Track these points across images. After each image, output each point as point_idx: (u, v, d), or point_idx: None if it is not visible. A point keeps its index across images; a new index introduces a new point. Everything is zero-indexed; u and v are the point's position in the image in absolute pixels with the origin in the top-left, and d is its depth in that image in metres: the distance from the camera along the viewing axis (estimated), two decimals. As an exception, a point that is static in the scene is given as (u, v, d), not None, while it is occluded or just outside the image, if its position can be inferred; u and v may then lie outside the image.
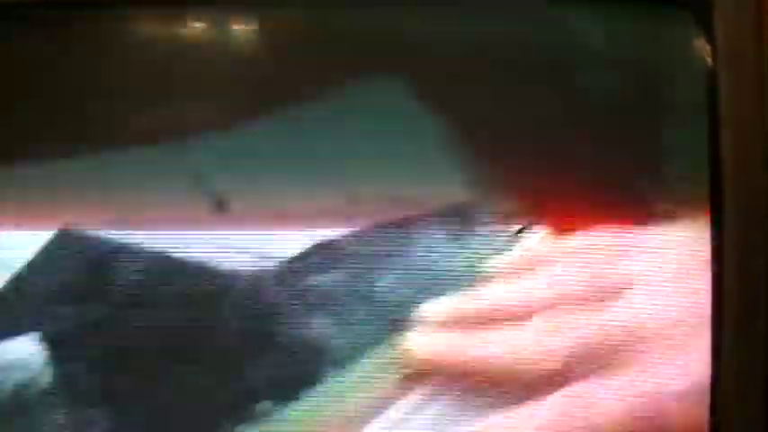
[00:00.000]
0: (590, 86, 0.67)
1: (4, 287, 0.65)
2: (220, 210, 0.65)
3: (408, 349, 0.64)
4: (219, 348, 0.65)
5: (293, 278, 0.65)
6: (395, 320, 0.65)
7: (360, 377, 0.65)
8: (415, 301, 0.65)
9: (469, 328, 0.65)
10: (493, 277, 0.65)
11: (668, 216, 0.65)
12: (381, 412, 0.65)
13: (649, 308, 0.65)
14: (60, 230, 0.65)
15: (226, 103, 0.67)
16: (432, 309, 0.65)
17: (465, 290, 0.65)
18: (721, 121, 0.63)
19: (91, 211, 0.65)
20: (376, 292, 0.65)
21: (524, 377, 0.65)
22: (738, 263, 0.64)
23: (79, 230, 0.65)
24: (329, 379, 0.65)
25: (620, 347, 0.65)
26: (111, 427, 0.65)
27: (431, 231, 0.65)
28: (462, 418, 0.65)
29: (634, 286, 0.65)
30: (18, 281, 0.65)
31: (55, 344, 0.65)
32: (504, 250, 0.65)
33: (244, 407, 0.65)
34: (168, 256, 0.65)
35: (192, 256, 0.65)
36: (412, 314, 0.65)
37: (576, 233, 0.65)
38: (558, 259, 0.65)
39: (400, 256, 0.65)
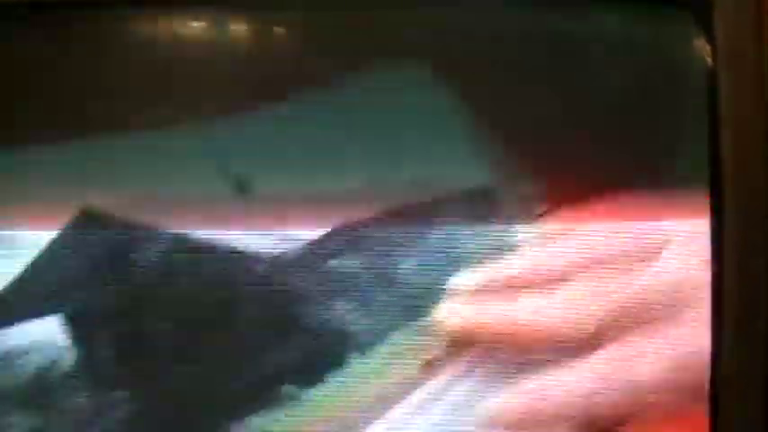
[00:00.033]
0: (590, 86, 0.67)
1: (26, 270, 0.65)
2: (242, 192, 0.65)
3: (441, 320, 0.64)
4: (242, 331, 0.65)
5: (316, 261, 0.65)
6: (418, 303, 0.65)
7: (384, 360, 0.65)
8: (439, 284, 0.65)
9: (502, 295, 0.65)
10: (521, 248, 0.65)
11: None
12: (406, 395, 0.65)
13: (683, 267, 0.65)
14: (81, 213, 0.65)
15: (249, 87, 0.66)
16: (462, 280, 0.65)
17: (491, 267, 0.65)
18: (721, 121, 0.63)
19: (112, 194, 0.65)
20: (399, 275, 0.65)
21: (559, 341, 0.65)
22: (738, 263, 0.64)
23: (100, 212, 0.65)
24: (353, 362, 0.65)
25: (655, 308, 0.65)
26: (133, 411, 0.64)
27: (454, 214, 0.65)
28: (495, 388, 0.65)
29: (668, 247, 0.65)
30: (39, 263, 0.65)
31: (76, 326, 0.65)
32: (526, 233, 0.65)
33: (268, 390, 0.64)
34: (190, 239, 0.65)
35: (213, 239, 0.65)
36: (435, 297, 0.65)
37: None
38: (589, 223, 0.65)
39: (423, 238, 0.65)
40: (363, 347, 0.65)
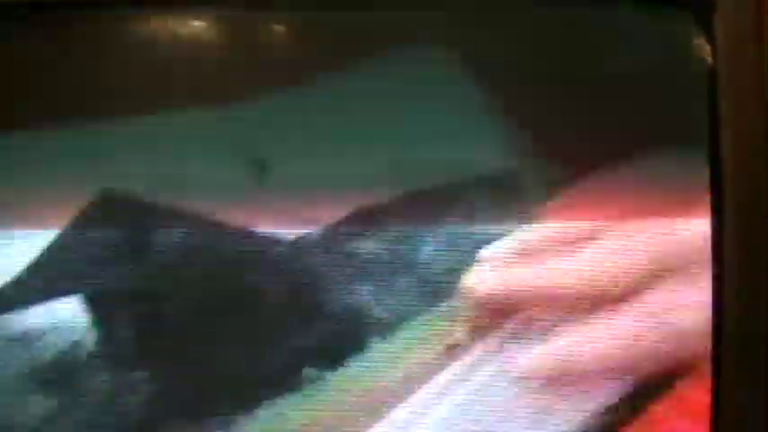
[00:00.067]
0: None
1: (47, 249, 0.64)
2: (261, 174, 0.65)
3: (470, 287, 0.64)
4: (262, 314, 0.65)
5: (337, 244, 0.65)
6: (440, 287, 0.65)
7: (405, 344, 0.65)
8: (460, 267, 0.65)
9: (530, 259, 0.65)
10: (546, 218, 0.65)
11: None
12: (428, 379, 0.65)
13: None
14: (101, 193, 0.64)
15: (268, 70, 0.67)
16: (490, 249, 0.65)
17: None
18: (721, 120, 0.63)
19: (132, 175, 0.65)
20: (420, 258, 0.65)
21: (590, 299, 0.65)
22: (738, 263, 0.64)
23: (120, 193, 0.65)
24: (374, 346, 0.65)
25: (694, 256, 0.65)
26: (152, 392, 0.64)
27: (474, 197, 0.65)
28: (527, 351, 0.65)
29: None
30: (58, 244, 0.64)
31: (96, 307, 0.64)
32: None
33: (289, 373, 0.64)
34: (211, 220, 0.64)
35: (234, 220, 0.64)
36: (457, 280, 0.65)
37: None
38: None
39: (444, 221, 0.65)
40: (385, 331, 0.65)
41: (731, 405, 0.63)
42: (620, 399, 0.65)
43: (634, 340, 0.65)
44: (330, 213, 0.64)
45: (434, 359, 0.65)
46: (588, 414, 0.65)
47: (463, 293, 0.65)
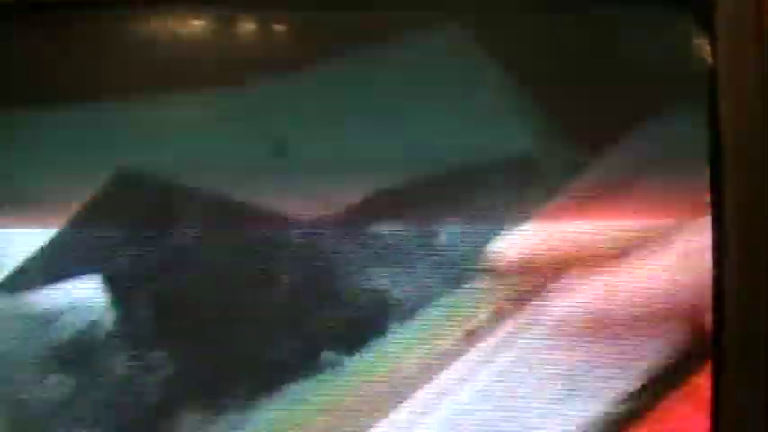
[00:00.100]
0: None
1: (64, 228, 0.64)
2: (280, 155, 0.64)
3: (498, 251, 0.64)
4: (281, 296, 0.65)
5: (356, 226, 0.64)
6: (460, 270, 0.64)
7: (426, 328, 0.64)
8: (480, 250, 0.65)
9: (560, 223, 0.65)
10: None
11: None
12: (448, 364, 0.65)
13: None
14: (119, 171, 0.64)
15: (288, 51, 0.67)
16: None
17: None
18: (721, 120, 0.63)
19: (151, 155, 0.65)
20: (440, 241, 0.65)
21: (621, 250, 0.65)
22: (738, 263, 0.64)
23: (138, 173, 0.65)
24: (394, 330, 0.64)
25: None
26: (171, 374, 0.64)
27: (494, 180, 0.65)
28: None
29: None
30: (77, 222, 0.64)
31: (115, 287, 0.64)
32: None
33: (307, 357, 0.64)
34: (230, 200, 0.64)
35: (254, 201, 0.64)
36: (477, 263, 0.64)
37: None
38: None
39: (465, 204, 0.65)
40: (404, 315, 0.64)
41: (731, 405, 0.63)
42: (640, 385, 0.65)
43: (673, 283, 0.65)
44: (350, 196, 0.64)
45: (454, 344, 0.64)
46: (612, 395, 0.65)
47: (492, 259, 0.64)
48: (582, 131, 0.66)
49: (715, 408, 0.64)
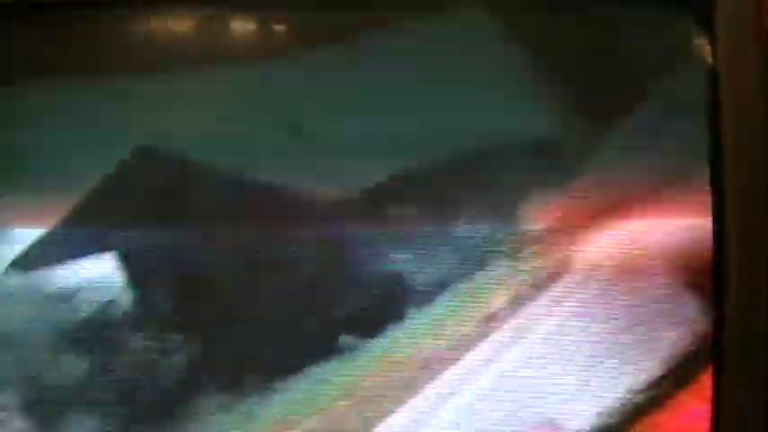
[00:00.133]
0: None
1: (80, 205, 0.64)
2: (296, 134, 0.64)
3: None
4: (298, 278, 0.64)
5: (374, 207, 0.64)
6: (479, 254, 0.64)
7: (444, 312, 0.64)
8: (499, 234, 0.64)
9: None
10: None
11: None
12: (469, 348, 0.64)
13: None
14: (136, 147, 0.64)
15: (306, 30, 0.66)
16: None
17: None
18: (722, 120, 0.63)
19: (168, 133, 0.64)
20: (460, 224, 0.64)
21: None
22: (738, 263, 0.64)
23: (155, 148, 0.64)
24: (413, 314, 0.64)
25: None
26: (190, 356, 0.64)
27: (513, 162, 0.65)
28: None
29: None
30: (93, 198, 0.64)
31: (132, 266, 0.64)
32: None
33: (326, 340, 0.64)
34: (247, 181, 0.64)
35: (272, 182, 0.64)
36: (496, 248, 0.64)
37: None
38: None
39: (483, 187, 0.65)
40: (424, 299, 0.64)
41: (731, 405, 0.63)
42: (661, 372, 0.65)
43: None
44: (368, 177, 0.64)
45: (474, 328, 0.64)
46: (633, 382, 0.65)
47: (511, 243, 0.64)
48: (582, 131, 0.66)
49: (715, 407, 0.64)
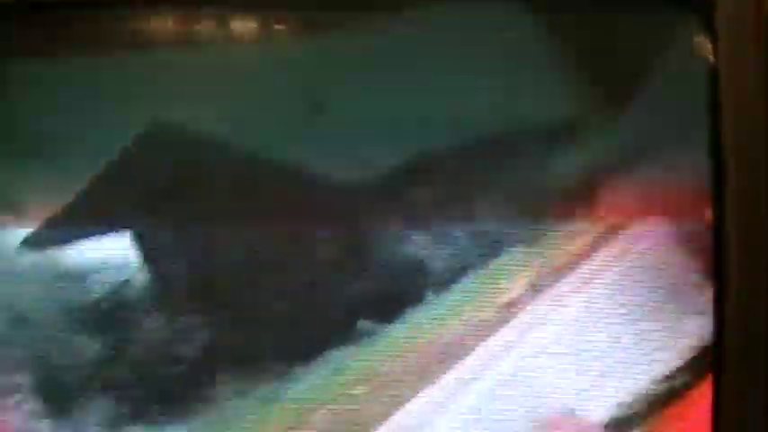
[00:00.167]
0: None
1: (94, 181, 0.63)
2: (317, 113, 0.64)
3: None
4: (315, 260, 0.64)
5: (392, 189, 0.64)
6: (498, 239, 0.64)
7: (463, 298, 0.64)
8: (518, 220, 0.64)
9: None
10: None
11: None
12: (488, 334, 0.64)
13: None
14: (152, 123, 0.63)
15: (329, 8, 0.66)
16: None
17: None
18: (722, 120, 0.63)
19: (187, 109, 0.64)
20: (478, 209, 0.64)
21: None
22: (738, 263, 0.64)
23: (170, 124, 0.64)
24: (431, 299, 0.63)
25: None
26: (207, 339, 0.63)
27: (535, 147, 0.65)
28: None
29: None
30: (108, 174, 0.63)
31: (148, 245, 0.63)
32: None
33: (343, 325, 0.63)
34: (265, 158, 0.63)
35: (290, 163, 0.63)
36: (515, 233, 0.64)
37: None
38: None
39: (502, 172, 0.64)
40: (442, 284, 0.63)
41: (731, 405, 0.63)
42: (681, 364, 0.65)
43: None
44: (387, 161, 0.63)
45: (492, 315, 0.64)
46: (653, 373, 0.64)
47: (530, 229, 0.64)
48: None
49: (715, 408, 0.64)
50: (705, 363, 0.65)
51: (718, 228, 0.64)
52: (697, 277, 0.65)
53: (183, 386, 0.63)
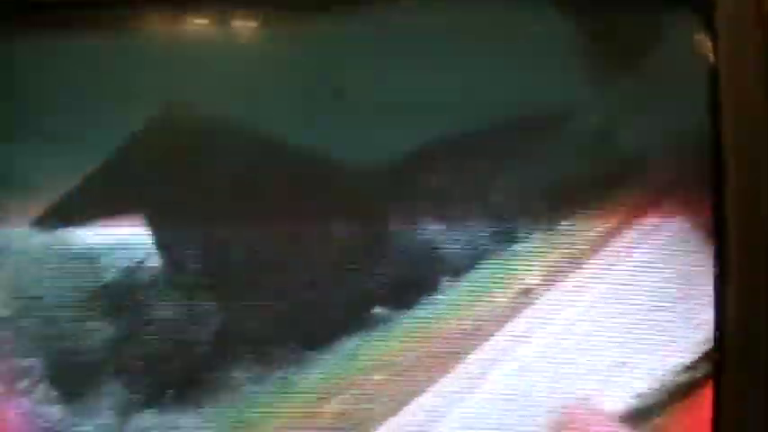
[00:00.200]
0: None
1: (106, 162, 0.62)
2: (337, 98, 0.63)
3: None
4: (330, 245, 0.63)
5: (408, 175, 0.63)
6: (514, 226, 0.63)
7: (478, 286, 0.63)
8: (535, 206, 0.64)
9: None
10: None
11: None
12: (504, 323, 0.63)
13: None
14: (165, 107, 0.63)
15: None
16: None
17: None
18: (722, 119, 0.63)
19: (202, 92, 0.64)
20: (492, 195, 0.64)
21: None
22: (738, 263, 0.64)
23: (183, 106, 0.63)
24: (446, 286, 0.63)
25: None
26: (221, 323, 0.63)
27: (551, 134, 0.64)
28: None
29: None
30: (120, 156, 0.63)
31: (161, 227, 0.63)
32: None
33: (358, 312, 0.63)
34: (278, 141, 0.63)
35: (304, 145, 0.63)
36: (530, 222, 0.63)
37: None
38: None
39: (518, 157, 0.64)
40: (457, 271, 0.63)
41: (732, 405, 0.63)
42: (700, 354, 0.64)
43: None
44: (402, 146, 0.63)
45: (508, 303, 0.63)
46: (671, 364, 0.64)
47: (548, 216, 0.63)
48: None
49: (716, 408, 0.64)
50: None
51: (718, 228, 0.64)
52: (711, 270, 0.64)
53: (196, 372, 0.62)
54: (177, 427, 0.62)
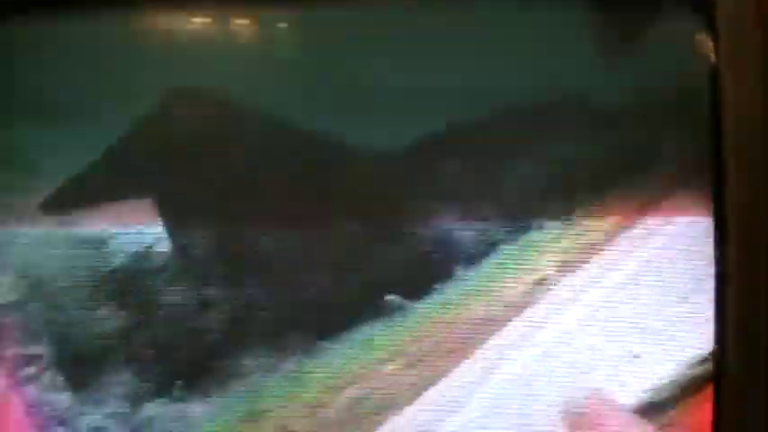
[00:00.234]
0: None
1: (114, 146, 0.62)
2: (350, 84, 0.63)
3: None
4: (343, 232, 0.63)
5: (424, 160, 0.63)
6: (528, 216, 0.63)
7: (493, 274, 0.63)
8: (549, 196, 0.63)
9: None
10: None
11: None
12: (519, 311, 0.63)
13: None
14: (175, 89, 0.63)
15: None
16: None
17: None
18: (723, 119, 0.64)
19: (214, 73, 0.63)
20: (508, 182, 0.63)
21: None
22: (738, 263, 0.64)
23: (196, 90, 0.63)
24: (461, 275, 0.63)
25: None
26: (233, 311, 0.62)
27: (564, 122, 0.64)
28: None
29: None
30: (129, 140, 0.62)
31: (170, 211, 0.62)
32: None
33: (372, 300, 0.62)
34: (296, 128, 0.62)
35: (318, 130, 0.63)
36: (545, 211, 0.63)
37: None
38: None
39: (533, 145, 0.64)
40: (472, 259, 0.63)
41: (732, 405, 0.63)
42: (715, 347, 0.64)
43: None
44: (416, 131, 0.63)
45: (522, 293, 0.63)
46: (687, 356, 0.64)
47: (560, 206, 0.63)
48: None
49: (716, 408, 0.63)
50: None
51: (718, 228, 0.64)
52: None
53: (207, 360, 0.62)
54: (186, 416, 0.62)
